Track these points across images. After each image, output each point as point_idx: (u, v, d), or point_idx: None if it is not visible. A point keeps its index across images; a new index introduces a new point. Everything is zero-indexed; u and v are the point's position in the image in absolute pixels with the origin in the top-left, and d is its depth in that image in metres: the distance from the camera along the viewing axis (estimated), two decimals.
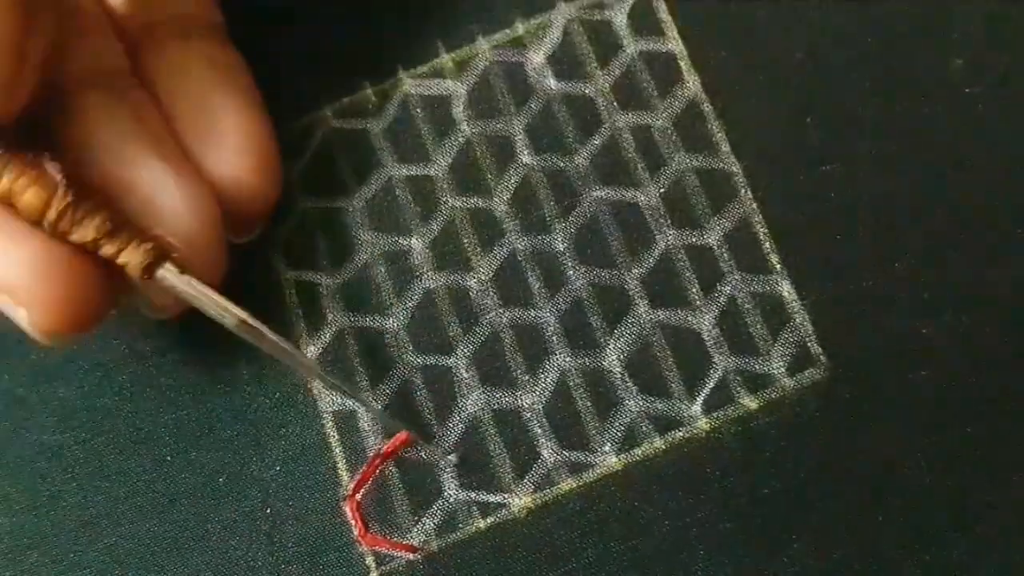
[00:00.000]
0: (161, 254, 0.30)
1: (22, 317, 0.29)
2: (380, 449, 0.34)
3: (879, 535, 0.33)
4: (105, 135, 0.30)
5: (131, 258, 0.29)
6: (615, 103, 0.37)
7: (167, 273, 0.30)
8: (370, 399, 0.34)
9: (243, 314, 0.31)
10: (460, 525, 0.33)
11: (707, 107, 0.37)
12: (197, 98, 0.32)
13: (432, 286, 0.36)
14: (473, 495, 0.34)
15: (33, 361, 0.36)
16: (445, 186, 0.37)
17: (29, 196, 0.28)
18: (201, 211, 0.31)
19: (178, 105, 0.32)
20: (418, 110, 0.38)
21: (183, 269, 0.30)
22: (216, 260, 0.31)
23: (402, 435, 0.34)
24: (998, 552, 0.33)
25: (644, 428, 0.34)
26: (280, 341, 0.31)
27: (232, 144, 0.32)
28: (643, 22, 0.38)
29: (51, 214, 0.28)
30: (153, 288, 0.30)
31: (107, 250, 0.29)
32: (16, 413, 0.35)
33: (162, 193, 0.30)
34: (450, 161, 0.37)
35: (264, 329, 0.31)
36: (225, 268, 0.32)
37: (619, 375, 0.35)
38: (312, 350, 0.35)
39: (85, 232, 0.29)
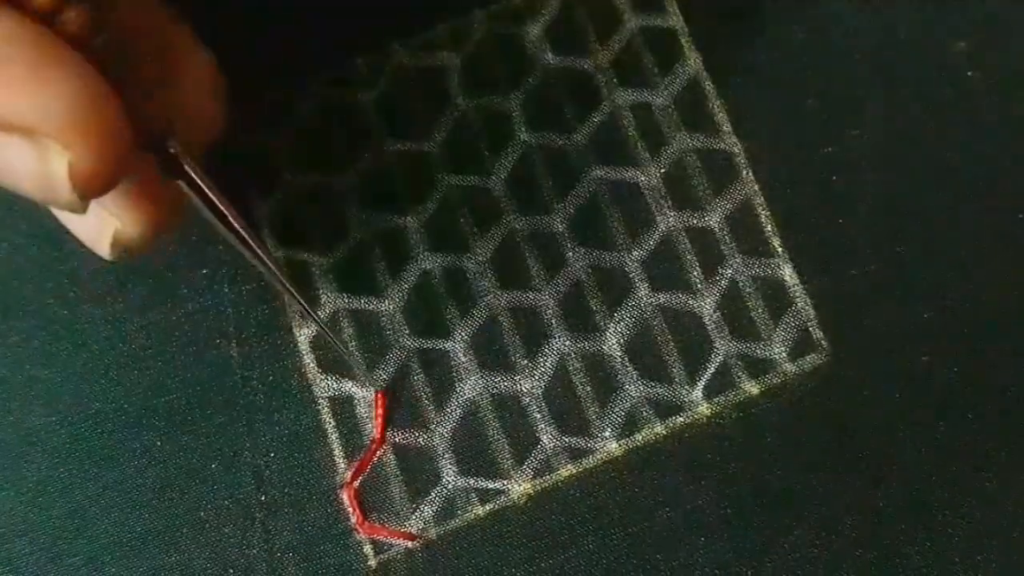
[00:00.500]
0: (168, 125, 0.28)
1: (60, 164, 0.24)
2: (377, 434, 0.33)
3: (880, 521, 0.33)
4: None
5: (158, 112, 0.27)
6: (615, 79, 0.36)
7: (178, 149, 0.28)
8: (346, 346, 0.34)
9: (239, 220, 0.29)
10: (459, 512, 0.33)
11: (708, 86, 0.36)
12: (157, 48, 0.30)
13: (428, 267, 0.35)
14: (472, 481, 0.33)
15: (15, 342, 0.34)
16: (440, 163, 0.36)
17: (74, 14, 0.24)
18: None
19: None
20: (411, 82, 0.36)
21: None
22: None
23: (379, 395, 0.33)
24: (998, 538, 0.33)
25: (644, 413, 0.34)
26: (263, 255, 0.30)
27: (206, 89, 0.31)
28: None
29: (99, 40, 0.25)
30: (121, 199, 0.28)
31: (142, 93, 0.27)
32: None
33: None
34: (445, 136, 0.36)
35: (255, 239, 0.29)
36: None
37: (619, 359, 0.34)
38: (306, 332, 0.34)
39: (124, 68, 0.26)
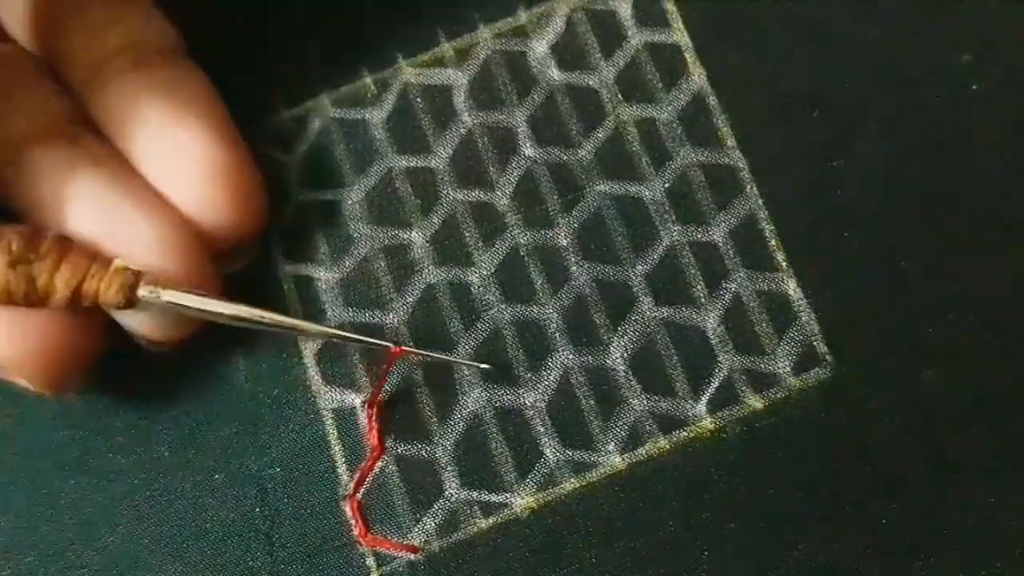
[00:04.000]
0: (133, 279, 0.30)
1: (25, 385, 0.31)
2: (373, 443, 0.33)
3: (885, 536, 0.33)
4: (63, 189, 0.30)
5: (108, 298, 0.30)
6: (619, 95, 0.37)
7: (147, 294, 0.30)
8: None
9: (235, 309, 0.31)
10: (462, 525, 0.33)
11: (713, 100, 0.36)
12: (153, 131, 0.31)
13: (433, 281, 0.35)
14: (475, 494, 0.33)
15: None
16: (446, 178, 0.36)
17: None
18: (176, 246, 0.31)
19: (133, 141, 0.31)
20: (418, 100, 0.37)
21: (162, 284, 0.30)
22: (201, 285, 0.31)
23: (395, 349, 0.33)
24: (1002, 554, 0.33)
25: (648, 427, 0.34)
26: (280, 318, 0.32)
27: (196, 175, 0.31)
28: (648, 12, 0.37)
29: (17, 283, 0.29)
30: (141, 316, 0.31)
31: (86, 300, 0.30)
32: (11, 410, 0.34)
33: (133, 239, 0.30)
34: (451, 153, 0.36)
35: (261, 313, 0.31)
36: (216, 287, 0.32)
37: (623, 373, 0.34)
38: (311, 346, 0.34)
39: (59, 295, 0.29)
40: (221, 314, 0.31)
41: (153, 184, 0.31)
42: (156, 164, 0.31)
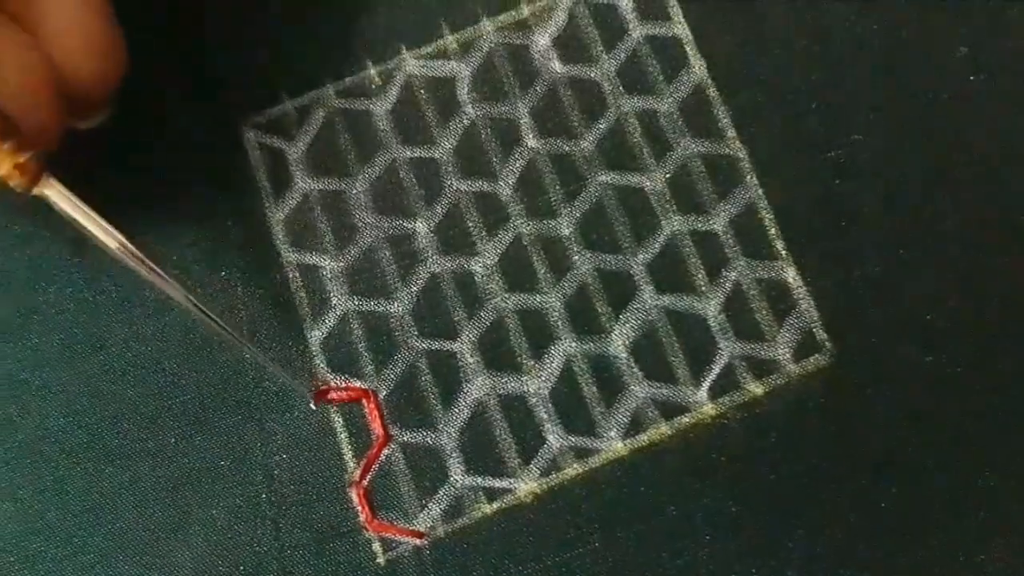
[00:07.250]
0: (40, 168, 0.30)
1: None
2: (379, 431, 0.34)
3: (883, 520, 0.33)
4: None
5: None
6: (621, 87, 0.37)
7: (49, 191, 0.30)
8: (252, 347, 0.34)
9: (121, 237, 0.31)
10: (466, 510, 0.33)
11: (713, 92, 0.37)
12: None
13: (437, 270, 0.35)
14: (479, 480, 0.34)
15: (34, 344, 0.35)
16: (449, 169, 0.36)
17: None
18: (37, 94, 0.30)
19: None
20: (422, 91, 0.37)
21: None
22: (48, 123, 0.31)
23: (367, 395, 0.34)
24: (1002, 537, 0.33)
25: (650, 414, 0.34)
26: (156, 270, 0.31)
27: (59, 27, 0.31)
28: (649, 5, 0.38)
29: None
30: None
31: None
32: (18, 397, 0.35)
33: None
34: (454, 143, 0.37)
35: (142, 256, 0.31)
36: (59, 134, 0.31)
37: (625, 361, 0.35)
38: (317, 334, 0.35)
39: None
40: (97, 235, 0.31)
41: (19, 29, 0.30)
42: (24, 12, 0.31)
